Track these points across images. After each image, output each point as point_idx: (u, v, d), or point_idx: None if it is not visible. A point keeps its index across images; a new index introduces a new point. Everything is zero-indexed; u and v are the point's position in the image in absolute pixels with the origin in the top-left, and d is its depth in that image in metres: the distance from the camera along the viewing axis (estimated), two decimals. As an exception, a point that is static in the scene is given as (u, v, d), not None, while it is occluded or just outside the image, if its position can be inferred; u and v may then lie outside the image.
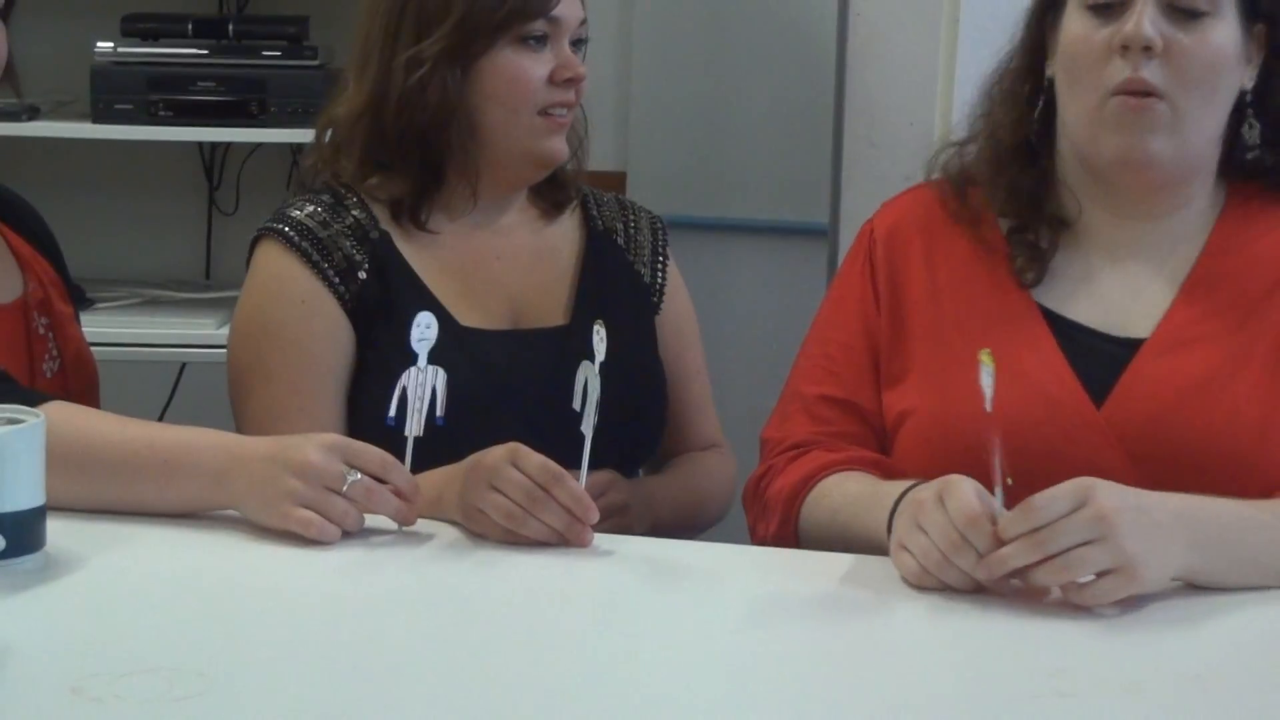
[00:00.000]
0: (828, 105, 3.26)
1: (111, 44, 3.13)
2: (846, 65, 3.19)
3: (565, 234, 2.12)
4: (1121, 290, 1.81)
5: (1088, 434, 1.72)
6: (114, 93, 3.09)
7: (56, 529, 1.63)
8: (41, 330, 1.96)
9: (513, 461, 1.69)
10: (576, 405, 1.71)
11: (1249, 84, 1.79)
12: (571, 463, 1.71)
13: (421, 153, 2.00)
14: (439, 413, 1.71)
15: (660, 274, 2.15)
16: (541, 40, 1.99)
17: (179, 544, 1.68)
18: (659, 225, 2.19)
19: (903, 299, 1.86)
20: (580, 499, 1.68)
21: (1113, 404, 1.74)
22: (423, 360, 1.72)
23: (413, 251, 2.02)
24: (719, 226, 3.53)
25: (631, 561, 1.68)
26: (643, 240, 2.15)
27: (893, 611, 1.53)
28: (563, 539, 1.69)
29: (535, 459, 1.69)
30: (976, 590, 1.55)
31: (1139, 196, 1.81)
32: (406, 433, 1.72)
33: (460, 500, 1.72)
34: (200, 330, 3.10)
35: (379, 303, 1.97)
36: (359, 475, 1.67)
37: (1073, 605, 1.52)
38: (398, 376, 1.86)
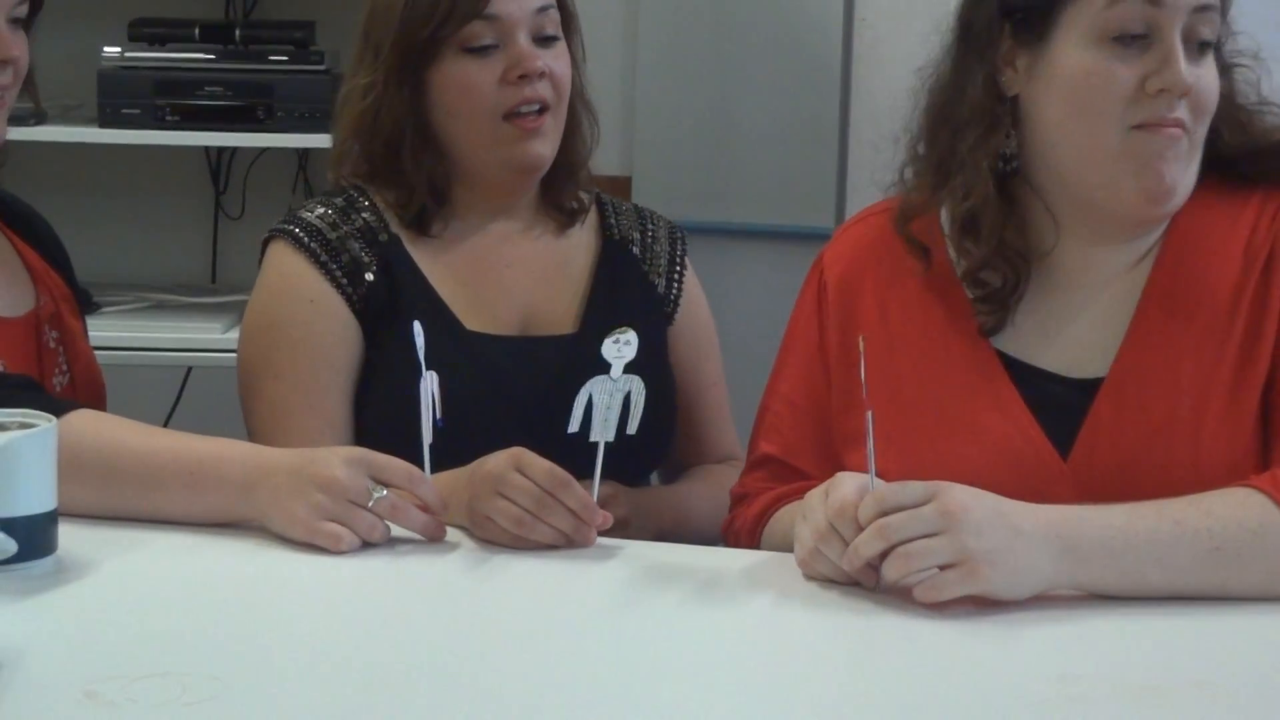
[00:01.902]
0: (833, 110, 3.27)
1: (118, 48, 3.15)
2: (852, 70, 3.20)
3: (579, 243, 2.11)
4: (1082, 323, 1.75)
5: (1055, 488, 1.67)
6: (121, 97, 3.10)
7: (68, 534, 1.64)
8: (52, 344, 1.97)
9: (517, 467, 1.69)
10: (574, 427, 1.71)
11: None
12: (572, 470, 1.71)
13: (400, 173, 2.01)
14: (437, 414, 1.72)
15: (676, 285, 2.14)
16: (490, 45, 1.96)
17: (190, 548, 1.69)
18: (678, 235, 2.17)
19: (854, 348, 1.77)
20: (587, 505, 1.69)
21: (1078, 454, 1.70)
22: (424, 368, 1.72)
23: (423, 255, 2.02)
24: (724, 231, 3.53)
25: (641, 565, 1.68)
26: (659, 250, 2.14)
27: (900, 616, 1.53)
28: (568, 541, 1.70)
29: (541, 464, 1.69)
30: (849, 582, 1.57)
31: (1134, 227, 1.74)
32: (425, 440, 1.71)
33: (467, 507, 1.73)
34: (206, 334, 3.11)
35: (386, 305, 1.98)
36: (384, 491, 1.67)
37: (1078, 608, 1.53)
38: (401, 380, 1.87)
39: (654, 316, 2.11)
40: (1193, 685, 1.40)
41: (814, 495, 1.59)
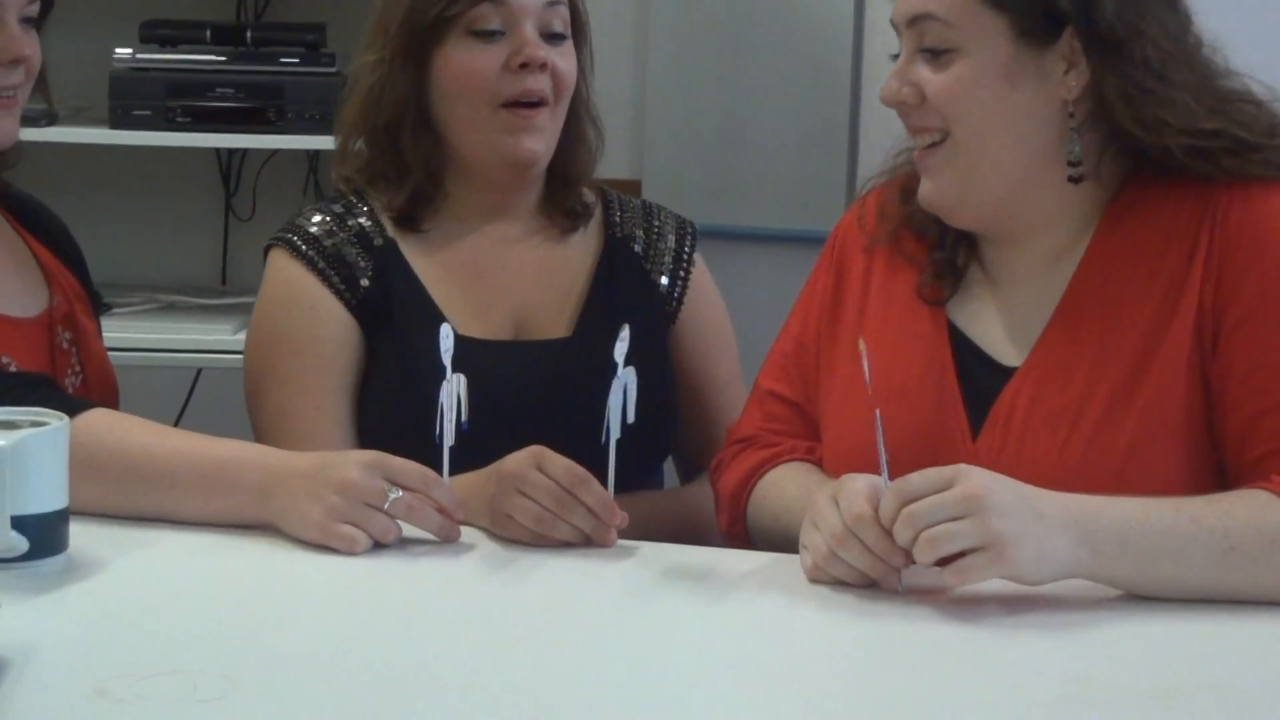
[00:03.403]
0: (843, 114, 3.27)
1: (130, 50, 3.15)
2: (862, 74, 3.20)
3: (581, 244, 2.10)
4: (1012, 314, 1.76)
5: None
6: (132, 98, 3.11)
7: (78, 532, 1.64)
8: (65, 345, 1.98)
9: (538, 465, 1.70)
10: (605, 437, 1.71)
11: (1071, 95, 1.70)
12: None
13: (398, 155, 2.01)
14: (462, 418, 1.72)
15: (680, 282, 2.13)
16: (496, 31, 1.97)
17: (201, 547, 1.69)
18: (688, 231, 2.15)
19: (841, 305, 1.85)
20: (606, 503, 1.70)
21: (984, 439, 1.71)
22: (448, 371, 1.72)
23: (419, 258, 2.03)
24: (734, 235, 3.53)
25: (653, 567, 1.68)
26: (664, 247, 2.13)
27: (910, 618, 1.53)
28: (587, 540, 1.71)
29: (560, 462, 1.70)
30: (867, 584, 1.57)
31: (979, 228, 1.77)
32: (445, 443, 1.71)
33: (488, 506, 1.73)
34: (216, 335, 3.11)
35: (382, 310, 1.99)
36: (400, 492, 1.68)
37: (1088, 611, 1.53)
38: (397, 385, 1.88)
39: (655, 315, 2.09)
40: (1203, 688, 1.40)
41: (823, 502, 1.59)
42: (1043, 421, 1.69)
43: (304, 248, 2.00)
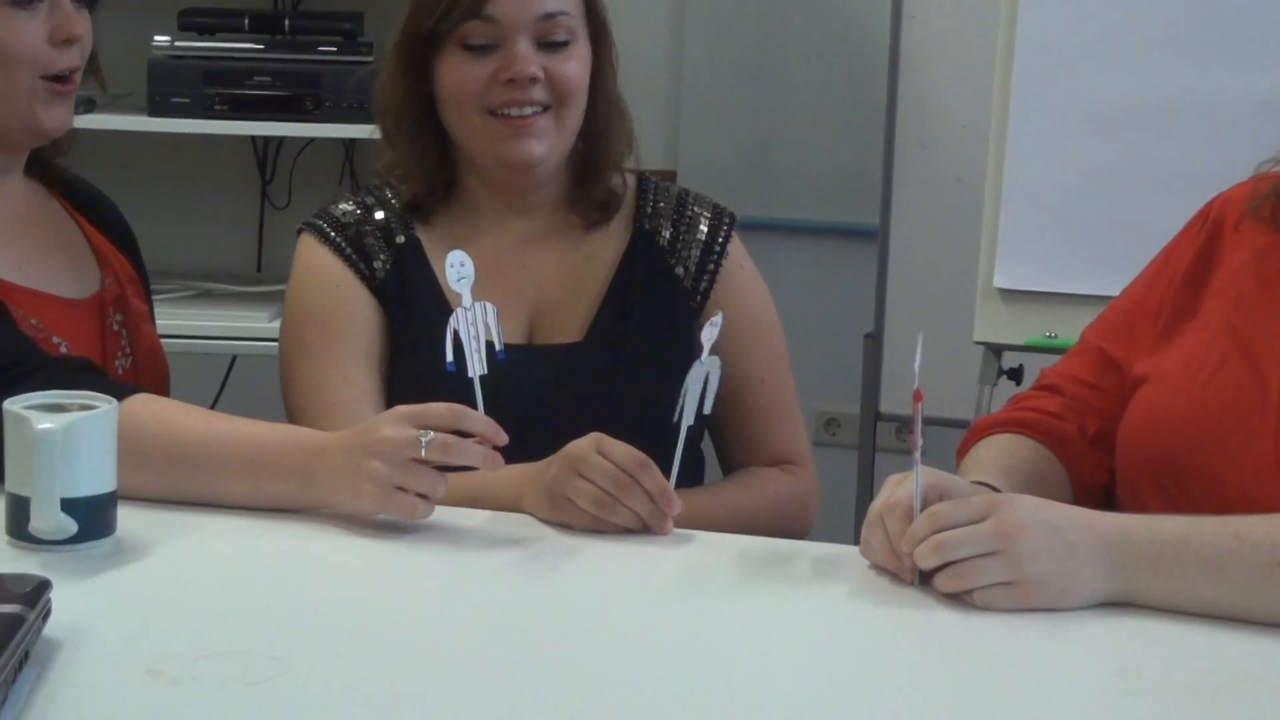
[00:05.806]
0: (879, 106, 3.27)
1: (168, 38, 3.17)
2: (899, 66, 3.20)
3: (607, 241, 2.08)
4: None
5: (1253, 464, 1.66)
6: (170, 86, 3.12)
7: (126, 515, 1.65)
8: (115, 327, 1.99)
9: (598, 450, 1.71)
10: (676, 417, 1.72)
11: None
12: None
13: (408, 147, 2.04)
14: (498, 347, 1.72)
15: (709, 275, 2.08)
16: (487, 46, 1.97)
17: (249, 530, 1.70)
18: (724, 221, 2.11)
19: (1208, 276, 1.79)
20: (664, 489, 1.70)
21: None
22: (467, 299, 1.72)
23: (439, 255, 2.02)
24: (769, 226, 3.53)
25: (706, 555, 1.69)
26: (693, 238, 2.09)
27: (958, 610, 1.52)
28: (644, 526, 1.71)
29: (621, 448, 1.71)
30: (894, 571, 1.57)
31: None
32: (470, 374, 1.70)
33: (547, 489, 1.73)
34: (251, 323, 3.13)
35: (397, 302, 2.02)
36: (431, 434, 1.66)
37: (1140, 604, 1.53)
38: (412, 380, 1.92)
39: (677, 309, 2.06)
40: (1251, 680, 1.40)
41: (888, 482, 1.60)
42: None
43: (330, 233, 2.04)
